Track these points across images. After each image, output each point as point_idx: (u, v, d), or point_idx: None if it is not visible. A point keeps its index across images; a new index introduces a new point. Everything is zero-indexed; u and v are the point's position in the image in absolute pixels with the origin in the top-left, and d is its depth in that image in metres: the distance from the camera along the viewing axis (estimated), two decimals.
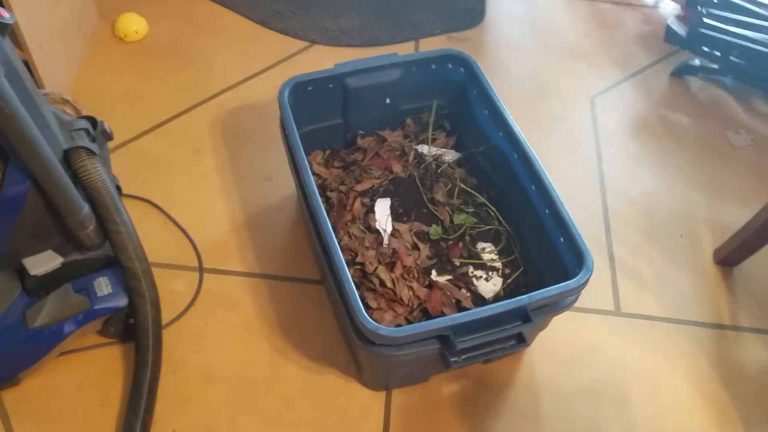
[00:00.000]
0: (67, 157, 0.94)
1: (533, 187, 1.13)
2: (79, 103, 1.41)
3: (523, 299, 0.96)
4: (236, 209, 1.38)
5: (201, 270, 1.28)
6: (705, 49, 1.68)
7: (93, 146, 0.97)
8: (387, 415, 1.14)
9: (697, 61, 1.73)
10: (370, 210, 1.23)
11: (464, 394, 1.17)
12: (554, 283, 0.99)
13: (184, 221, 1.34)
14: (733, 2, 1.67)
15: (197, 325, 1.22)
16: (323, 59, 1.68)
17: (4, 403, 1.10)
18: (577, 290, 0.99)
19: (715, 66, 1.71)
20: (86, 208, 0.97)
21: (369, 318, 0.92)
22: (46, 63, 1.41)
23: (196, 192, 1.40)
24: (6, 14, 0.81)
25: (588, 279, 0.98)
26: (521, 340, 0.99)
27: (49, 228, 0.98)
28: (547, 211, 1.10)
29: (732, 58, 1.66)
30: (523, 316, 0.97)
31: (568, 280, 0.99)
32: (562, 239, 1.06)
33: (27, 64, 1.37)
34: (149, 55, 1.64)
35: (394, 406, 1.15)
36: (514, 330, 0.97)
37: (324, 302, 1.26)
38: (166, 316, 1.18)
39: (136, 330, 1.09)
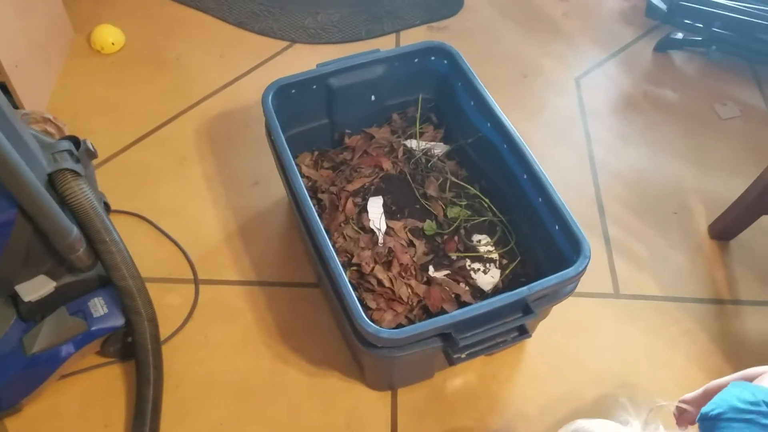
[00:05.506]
0: (52, 181, 0.93)
1: (525, 177, 1.12)
2: (61, 120, 1.39)
3: (522, 291, 0.95)
4: (227, 217, 1.36)
5: (196, 282, 1.27)
6: (687, 21, 1.68)
7: (77, 167, 0.95)
8: (394, 414, 1.13)
9: (679, 35, 1.72)
10: (363, 209, 1.22)
11: (470, 387, 1.17)
12: (552, 271, 0.98)
13: (175, 233, 1.33)
14: None
15: (196, 337, 1.21)
16: (304, 58, 1.66)
17: (8, 430, 1.09)
18: (575, 278, 0.98)
19: (699, 38, 1.70)
20: (75, 231, 0.96)
21: (370, 321, 0.91)
22: (23, 82, 1.38)
23: (185, 202, 1.38)
24: None
25: (586, 266, 0.98)
26: (523, 332, 0.99)
27: (39, 253, 0.97)
28: (540, 200, 1.09)
29: (715, 29, 1.65)
30: (524, 307, 0.97)
31: (566, 267, 0.98)
32: (557, 227, 1.06)
33: (4, 86, 1.34)
34: (128, 65, 1.62)
35: (401, 405, 1.14)
36: (516, 323, 0.96)
37: (322, 305, 1.25)
38: (164, 331, 1.17)
39: (135, 348, 1.08)
